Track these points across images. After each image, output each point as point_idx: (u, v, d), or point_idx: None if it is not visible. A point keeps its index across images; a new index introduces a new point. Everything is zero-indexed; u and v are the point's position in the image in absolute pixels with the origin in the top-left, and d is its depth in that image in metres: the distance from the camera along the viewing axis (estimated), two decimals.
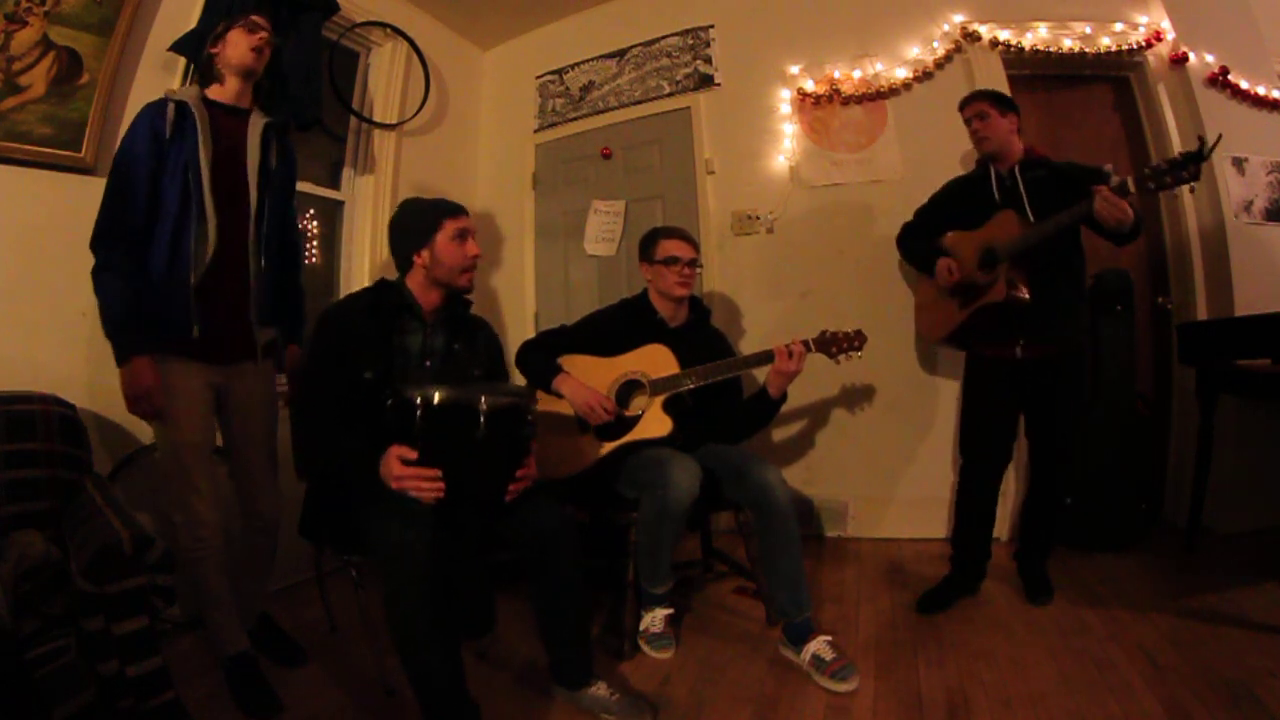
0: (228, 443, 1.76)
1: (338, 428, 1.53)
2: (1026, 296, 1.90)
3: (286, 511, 1.83)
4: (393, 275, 1.75)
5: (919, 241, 2.26)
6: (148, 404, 1.48)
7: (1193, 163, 1.58)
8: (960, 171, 2.34)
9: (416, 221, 1.68)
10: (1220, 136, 1.69)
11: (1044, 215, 1.86)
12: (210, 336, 1.55)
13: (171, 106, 1.53)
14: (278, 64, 2.24)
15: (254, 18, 1.67)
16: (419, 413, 1.43)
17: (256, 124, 1.68)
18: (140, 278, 1.50)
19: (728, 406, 2.09)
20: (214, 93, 1.63)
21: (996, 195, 2.04)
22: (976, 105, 2.07)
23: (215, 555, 1.64)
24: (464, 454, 1.46)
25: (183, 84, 2.08)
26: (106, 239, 1.49)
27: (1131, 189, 1.67)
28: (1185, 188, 1.68)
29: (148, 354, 1.47)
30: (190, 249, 1.52)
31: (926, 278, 2.25)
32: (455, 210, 1.71)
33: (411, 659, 1.34)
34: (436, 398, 1.44)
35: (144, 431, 2.02)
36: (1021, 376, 1.99)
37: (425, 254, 1.66)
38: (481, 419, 1.45)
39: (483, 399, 1.47)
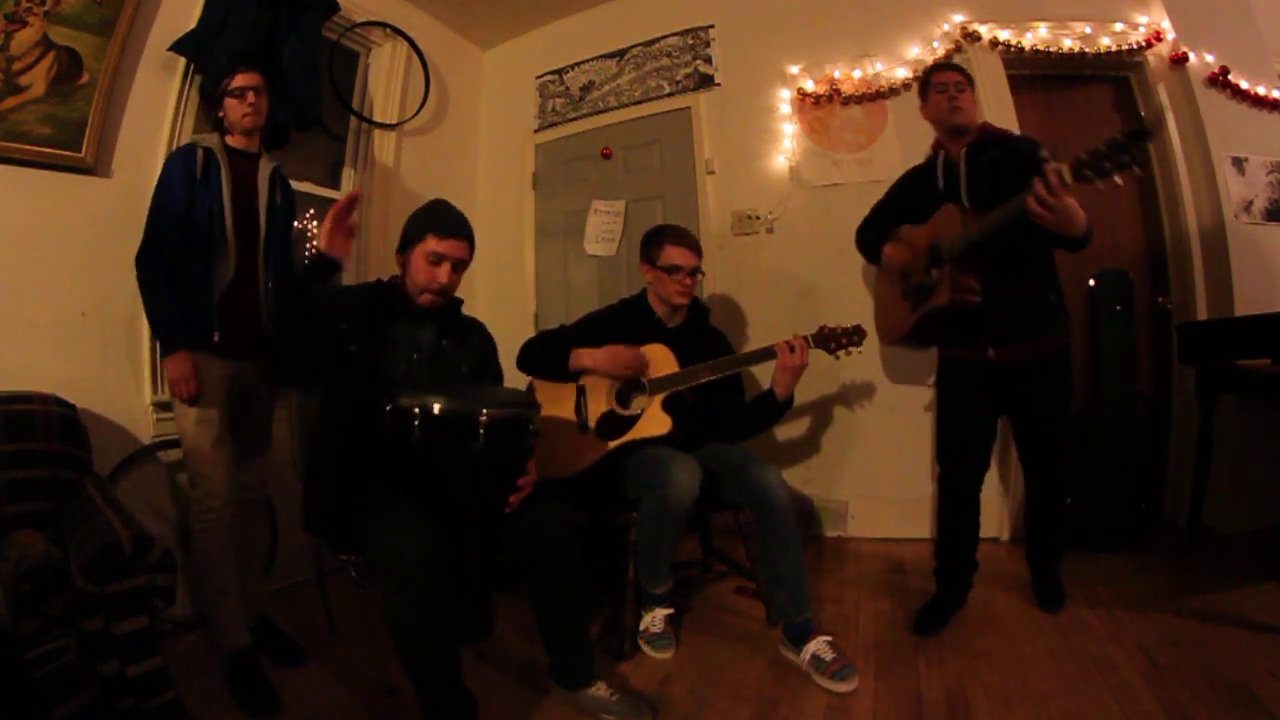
0: (231, 421, 1.85)
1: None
2: (977, 300, 1.76)
3: (288, 511, 1.84)
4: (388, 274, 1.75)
5: (872, 234, 2.15)
6: (185, 386, 1.75)
7: (1135, 143, 1.32)
8: None
9: (414, 223, 1.67)
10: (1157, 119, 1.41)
11: (985, 203, 1.69)
12: (229, 338, 1.79)
13: (201, 152, 1.79)
14: (278, 64, 2.30)
15: (237, 82, 1.82)
16: (416, 423, 1.40)
17: (265, 168, 1.92)
18: (183, 288, 1.76)
19: (729, 405, 2.09)
20: (231, 140, 1.88)
21: (941, 183, 1.90)
22: (957, 74, 1.91)
23: (223, 529, 1.77)
24: (460, 466, 1.43)
25: (182, 83, 2.17)
26: (153, 255, 1.76)
27: (1069, 179, 1.41)
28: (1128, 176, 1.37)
29: (186, 349, 1.75)
30: (215, 270, 1.78)
31: (883, 276, 2.15)
32: (448, 230, 1.63)
33: (412, 661, 1.35)
34: (436, 408, 1.40)
35: (144, 432, 2.03)
36: (997, 379, 1.86)
37: (402, 258, 1.67)
38: (481, 430, 1.41)
39: (484, 410, 1.42)
